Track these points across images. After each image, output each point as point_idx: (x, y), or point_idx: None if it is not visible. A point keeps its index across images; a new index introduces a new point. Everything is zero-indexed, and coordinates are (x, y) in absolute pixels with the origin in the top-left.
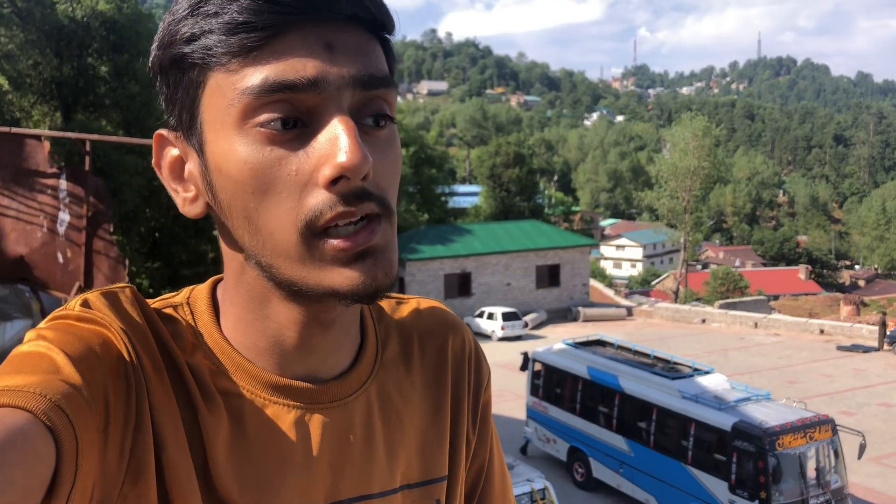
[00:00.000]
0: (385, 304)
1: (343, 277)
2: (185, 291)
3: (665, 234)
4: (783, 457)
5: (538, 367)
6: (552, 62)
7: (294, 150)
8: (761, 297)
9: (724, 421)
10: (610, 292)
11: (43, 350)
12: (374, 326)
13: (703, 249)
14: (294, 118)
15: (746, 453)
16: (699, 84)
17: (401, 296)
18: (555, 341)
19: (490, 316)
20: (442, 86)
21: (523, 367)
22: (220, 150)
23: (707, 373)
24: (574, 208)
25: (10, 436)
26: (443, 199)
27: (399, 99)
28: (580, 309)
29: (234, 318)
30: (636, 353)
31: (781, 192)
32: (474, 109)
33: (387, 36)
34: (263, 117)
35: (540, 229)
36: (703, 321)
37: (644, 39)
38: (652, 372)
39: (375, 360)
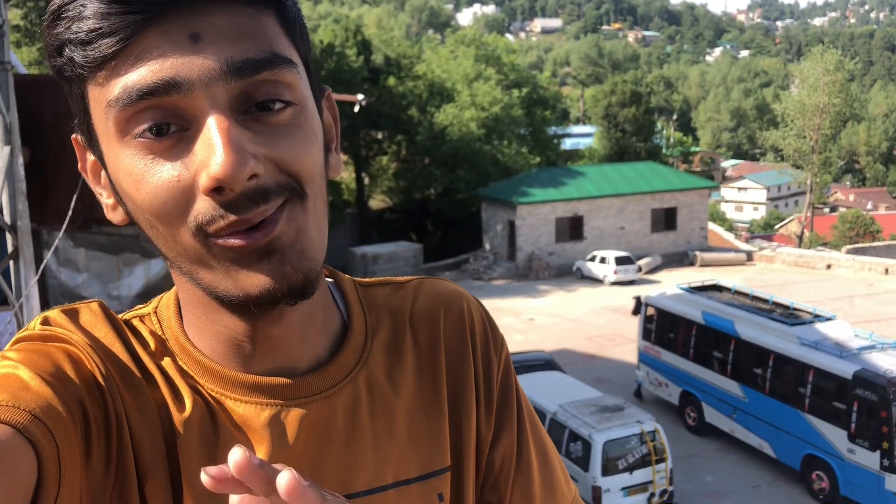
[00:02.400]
0: (381, 288)
1: (251, 280)
2: (154, 301)
3: (790, 176)
4: None
5: (651, 311)
6: None
7: (176, 157)
8: (894, 243)
9: (846, 369)
10: (730, 236)
11: (8, 370)
12: (364, 313)
13: (831, 191)
14: (169, 123)
15: (868, 402)
16: (833, 14)
17: (400, 280)
18: (669, 286)
19: (602, 260)
20: (556, 23)
21: (635, 312)
22: (112, 163)
23: (829, 319)
24: (693, 149)
25: None
26: (555, 140)
27: (511, 38)
28: (697, 253)
29: (190, 323)
30: (754, 298)
31: None
32: (589, 47)
33: (282, 1)
34: (137, 128)
35: (656, 171)
36: (829, 267)
37: None
38: (770, 318)
39: (364, 349)
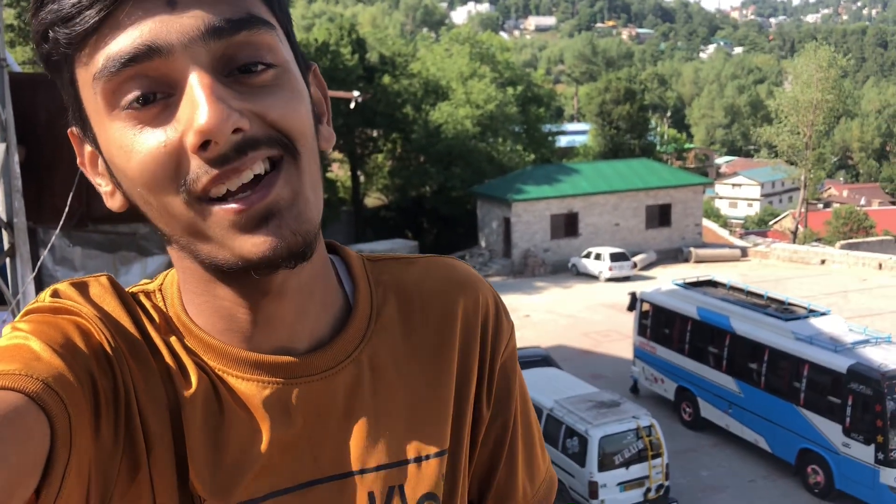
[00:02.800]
0: (390, 264)
1: (250, 245)
2: (160, 277)
3: (784, 172)
4: None
5: (646, 307)
6: None
7: (162, 123)
8: (888, 238)
9: (840, 363)
10: (724, 232)
11: (20, 341)
12: (370, 289)
13: (825, 187)
14: (154, 92)
15: (863, 396)
16: (826, 11)
17: (410, 255)
18: (664, 282)
19: (597, 256)
20: (550, 21)
21: (631, 308)
22: (104, 141)
23: (823, 314)
24: (687, 146)
25: (2, 414)
26: (550, 138)
27: (505, 36)
28: (692, 249)
29: (190, 301)
30: (749, 293)
31: None
32: (583, 44)
33: None
34: (124, 99)
35: (650, 168)
36: (823, 262)
37: None
38: (765, 313)
39: (367, 327)
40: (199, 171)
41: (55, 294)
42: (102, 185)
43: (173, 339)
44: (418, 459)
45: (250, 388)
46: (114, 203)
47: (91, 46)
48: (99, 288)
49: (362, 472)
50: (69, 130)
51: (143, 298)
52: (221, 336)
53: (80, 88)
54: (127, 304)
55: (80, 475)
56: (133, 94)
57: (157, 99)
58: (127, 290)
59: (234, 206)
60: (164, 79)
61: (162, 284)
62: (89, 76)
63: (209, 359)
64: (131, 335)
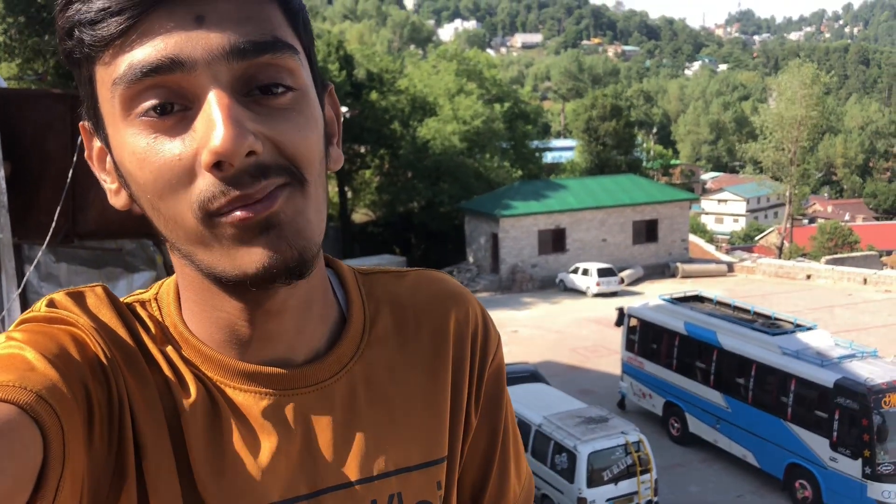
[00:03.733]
0: (381, 277)
1: (248, 258)
2: (155, 287)
3: (770, 188)
4: (889, 415)
5: (634, 322)
6: (651, 9)
7: (178, 135)
8: (872, 253)
9: (827, 377)
10: (710, 248)
11: (14, 351)
12: (363, 302)
13: (810, 203)
14: (172, 102)
15: (849, 411)
16: (809, 29)
17: (400, 269)
18: (651, 297)
19: (585, 272)
20: (536, 38)
21: (618, 323)
22: (116, 143)
23: (810, 329)
24: (673, 162)
25: None
26: (537, 154)
27: (492, 53)
28: (678, 265)
29: (190, 311)
30: (735, 308)
31: None
32: (570, 61)
33: None
34: (141, 106)
35: (637, 184)
36: (809, 277)
37: None
38: (751, 328)
39: (361, 339)
40: (213, 189)
41: (51, 304)
42: (107, 182)
43: (170, 350)
44: (416, 468)
45: (248, 400)
46: (117, 201)
47: (114, 50)
48: (95, 298)
49: (362, 481)
50: (80, 124)
51: (138, 308)
52: (218, 347)
53: (97, 87)
54: (123, 314)
55: (74, 487)
56: (151, 102)
57: (175, 110)
58: (122, 300)
59: (240, 213)
60: (184, 92)
61: (157, 293)
62: (109, 78)
63: (207, 369)
64: (127, 346)
